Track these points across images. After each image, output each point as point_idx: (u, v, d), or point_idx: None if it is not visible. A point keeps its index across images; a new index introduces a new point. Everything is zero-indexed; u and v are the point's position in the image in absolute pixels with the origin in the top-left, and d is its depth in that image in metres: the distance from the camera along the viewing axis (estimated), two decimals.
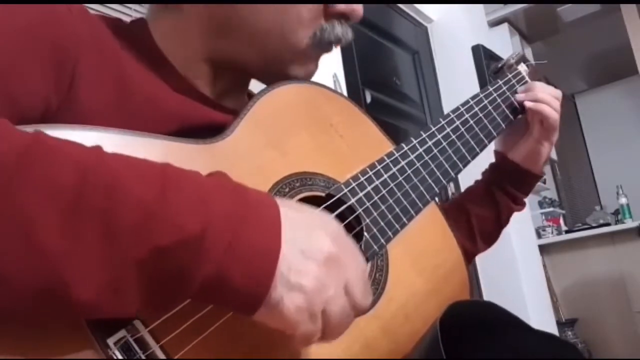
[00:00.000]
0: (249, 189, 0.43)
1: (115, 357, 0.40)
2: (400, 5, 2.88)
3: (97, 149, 0.40)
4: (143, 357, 0.41)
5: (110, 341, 0.40)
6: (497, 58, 1.00)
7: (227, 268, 0.39)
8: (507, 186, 0.87)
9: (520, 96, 0.85)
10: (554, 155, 4.53)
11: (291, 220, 0.43)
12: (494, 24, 3.99)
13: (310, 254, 0.42)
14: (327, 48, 0.64)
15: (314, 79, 0.67)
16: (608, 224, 4.11)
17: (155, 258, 0.37)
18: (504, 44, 3.85)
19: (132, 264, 0.37)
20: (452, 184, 2.68)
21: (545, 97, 0.83)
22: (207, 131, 0.55)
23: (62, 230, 0.35)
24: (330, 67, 2.13)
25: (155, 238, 0.37)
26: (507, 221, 0.89)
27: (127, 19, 0.64)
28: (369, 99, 2.43)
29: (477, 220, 0.80)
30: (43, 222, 0.35)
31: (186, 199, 0.39)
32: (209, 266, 0.38)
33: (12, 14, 0.47)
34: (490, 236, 0.88)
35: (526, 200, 0.90)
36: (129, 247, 0.36)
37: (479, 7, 3.36)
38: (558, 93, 0.86)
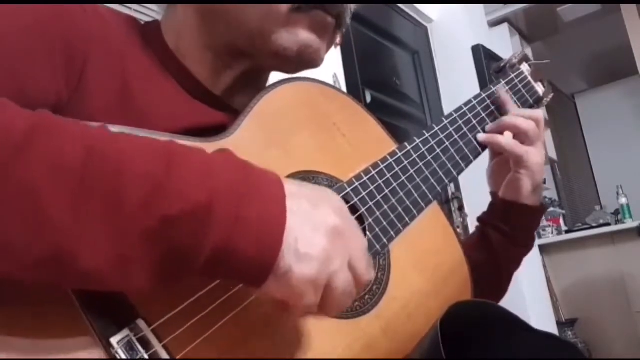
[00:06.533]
0: (252, 165, 0.44)
1: (118, 357, 0.40)
2: (400, 5, 2.88)
3: (102, 126, 0.41)
4: (146, 356, 0.41)
5: (114, 340, 0.40)
6: (497, 58, 1.00)
7: (235, 237, 0.39)
8: (499, 224, 0.80)
9: (489, 126, 0.79)
10: (554, 155, 4.54)
11: (295, 193, 0.44)
12: (494, 24, 3.99)
13: (317, 226, 0.43)
14: (314, 14, 0.58)
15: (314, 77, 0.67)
16: (608, 224, 4.11)
17: (163, 228, 0.37)
18: (504, 44, 3.85)
19: (139, 235, 0.37)
20: (452, 185, 2.68)
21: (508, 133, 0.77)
22: (211, 133, 0.56)
23: (69, 203, 0.35)
24: (330, 67, 2.13)
25: (162, 209, 0.37)
26: (507, 264, 0.80)
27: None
28: (369, 99, 2.43)
29: (472, 264, 0.70)
30: (50, 193, 0.35)
31: (192, 171, 0.40)
32: (216, 236, 0.39)
33: (28, 12, 0.49)
34: (490, 282, 0.78)
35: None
36: (137, 218, 0.37)
37: (479, 7, 3.36)
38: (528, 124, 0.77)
